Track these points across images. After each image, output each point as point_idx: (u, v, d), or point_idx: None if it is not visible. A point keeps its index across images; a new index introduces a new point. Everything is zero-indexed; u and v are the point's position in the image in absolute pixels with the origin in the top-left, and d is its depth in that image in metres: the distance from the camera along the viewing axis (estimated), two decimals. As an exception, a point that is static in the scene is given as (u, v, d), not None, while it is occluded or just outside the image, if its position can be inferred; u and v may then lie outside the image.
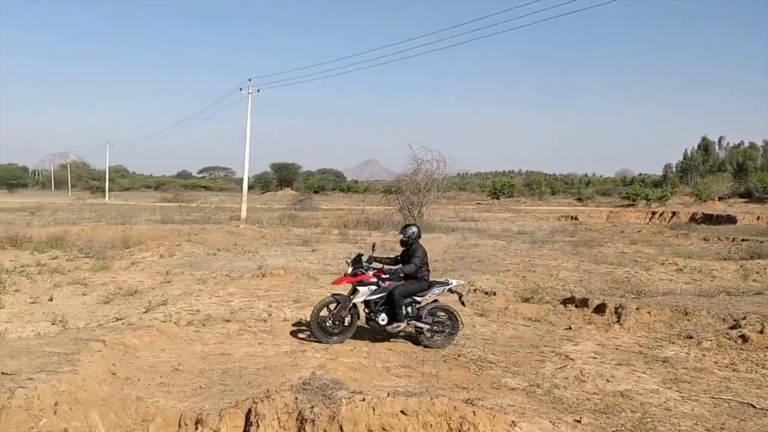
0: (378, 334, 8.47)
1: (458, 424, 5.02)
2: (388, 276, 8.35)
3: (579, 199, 69.48)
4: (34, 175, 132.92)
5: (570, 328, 9.48)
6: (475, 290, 12.42)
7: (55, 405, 4.97)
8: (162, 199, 62.97)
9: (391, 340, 8.47)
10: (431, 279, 8.62)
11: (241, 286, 12.40)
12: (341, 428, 4.94)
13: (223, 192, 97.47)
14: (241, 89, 36.45)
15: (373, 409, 5.08)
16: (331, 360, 7.22)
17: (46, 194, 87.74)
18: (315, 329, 8.13)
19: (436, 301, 8.61)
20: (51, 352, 6.29)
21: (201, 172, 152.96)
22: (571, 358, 7.78)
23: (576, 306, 10.76)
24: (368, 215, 31.99)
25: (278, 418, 5.12)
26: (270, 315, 9.76)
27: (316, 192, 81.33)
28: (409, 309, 8.32)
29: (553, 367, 7.45)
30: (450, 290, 8.72)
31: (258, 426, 5.07)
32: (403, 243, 8.62)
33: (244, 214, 34.16)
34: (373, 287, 8.24)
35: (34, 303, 10.56)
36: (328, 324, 8.16)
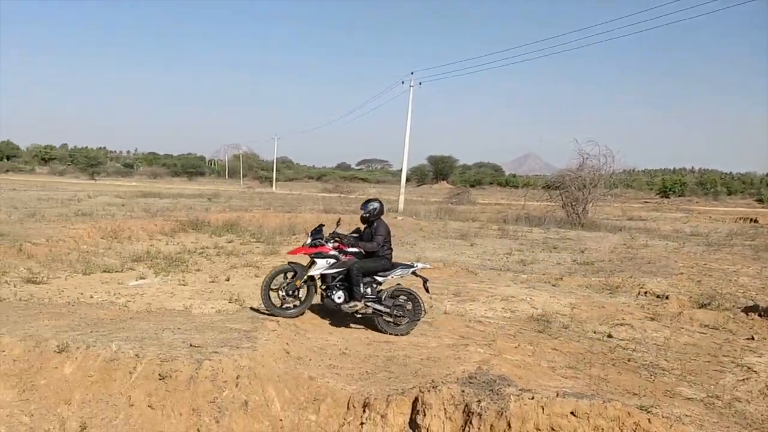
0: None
1: (631, 430, 4.74)
2: (349, 251, 7.91)
3: (759, 200, 63.57)
4: (211, 164, 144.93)
5: (753, 339, 8.63)
6: (645, 293, 11.69)
7: (237, 378, 5.35)
8: (323, 189, 66.03)
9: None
10: (395, 261, 8.21)
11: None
12: (509, 425, 4.86)
13: (380, 184, 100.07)
14: (403, 82, 37.08)
15: (543, 408, 4.94)
16: (495, 356, 7.11)
17: (220, 182, 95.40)
18: (265, 299, 7.73)
19: (399, 285, 8.22)
20: (232, 328, 6.78)
21: (359, 163, 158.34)
22: (755, 371, 7.07)
23: (760, 315, 9.83)
24: (528, 211, 31.25)
25: (444, 408, 5.14)
26: (431, 307, 9.83)
27: (472, 186, 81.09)
28: (369, 289, 7.87)
29: (734, 379, 6.81)
30: (414, 273, 8.14)
31: (425, 415, 5.12)
32: (364, 219, 8.19)
33: (401, 206, 34.79)
34: (332, 260, 7.79)
35: (213, 282, 11.46)
36: (280, 294, 7.77)
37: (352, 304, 7.74)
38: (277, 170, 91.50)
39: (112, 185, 63.97)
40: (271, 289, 7.76)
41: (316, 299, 8.09)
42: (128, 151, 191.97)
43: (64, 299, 9.44)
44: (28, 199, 31.21)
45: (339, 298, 7.79)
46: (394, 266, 8.06)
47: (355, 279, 7.70)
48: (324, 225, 8.40)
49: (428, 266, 9.66)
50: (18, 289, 10.12)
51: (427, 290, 8.35)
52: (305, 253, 7.94)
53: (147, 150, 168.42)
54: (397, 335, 7.77)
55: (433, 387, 5.32)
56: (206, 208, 28.99)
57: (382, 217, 8.23)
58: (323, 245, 7.87)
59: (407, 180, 40.57)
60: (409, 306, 7.94)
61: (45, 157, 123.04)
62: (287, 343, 6.49)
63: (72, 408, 5.25)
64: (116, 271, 12.33)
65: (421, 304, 8.02)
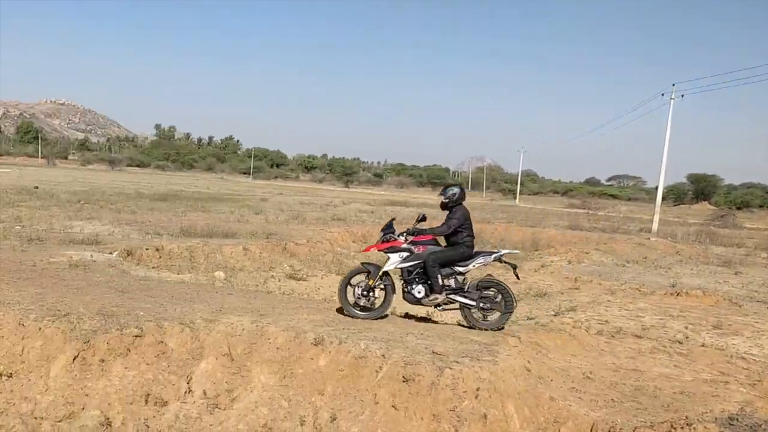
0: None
1: None
2: (421, 243, 7.40)
3: None
4: (455, 176, 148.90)
5: None
6: None
7: (477, 390, 5.38)
8: (569, 204, 64.00)
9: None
10: (479, 249, 7.62)
11: (653, 303, 11.73)
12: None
13: (632, 201, 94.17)
14: (663, 94, 34.55)
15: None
16: (761, 398, 6.27)
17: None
18: (343, 301, 7.48)
19: (487, 276, 7.59)
20: (473, 339, 6.86)
21: (609, 179, 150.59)
22: None
23: None
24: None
25: (701, 452, 4.65)
26: (686, 337, 8.99)
27: (738, 208, 72.45)
28: (452, 281, 7.38)
29: None
30: (500, 260, 7.52)
31: (680, 455, 4.68)
32: (443, 206, 7.68)
33: (655, 226, 32.36)
34: (405, 254, 7.41)
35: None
36: (355, 293, 7.41)
37: (432, 297, 7.40)
38: (521, 183, 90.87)
39: (363, 193, 69.00)
40: (349, 288, 7.55)
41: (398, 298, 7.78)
42: (378, 162, 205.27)
43: (320, 296, 10.36)
44: (293, 203, 34.94)
45: (419, 292, 7.45)
46: (476, 255, 7.56)
47: (431, 270, 7.31)
48: (395, 219, 8.14)
49: (516, 252, 9.13)
50: (282, 284, 11.35)
51: (517, 277, 7.85)
52: (378, 249, 7.70)
53: (395, 161, 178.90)
54: (487, 330, 7.32)
55: (688, 424, 4.85)
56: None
57: (463, 203, 7.75)
58: (395, 239, 7.58)
59: (663, 198, 37.58)
60: (499, 298, 7.41)
61: (308, 165, 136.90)
62: (528, 361, 6.39)
63: (324, 398, 5.72)
64: (365, 274, 13.21)
65: (512, 296, 7.42)
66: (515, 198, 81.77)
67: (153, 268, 11.42)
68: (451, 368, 5.56)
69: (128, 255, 11.74)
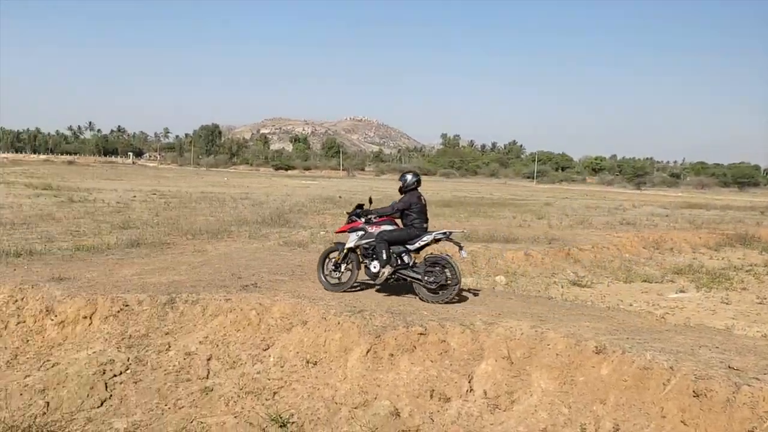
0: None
1: None
2: (374, 222, 8.32)
3: None
4: (766, 174, 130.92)
5: None
6: None
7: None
8: None
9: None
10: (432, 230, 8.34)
11: None
12: None
13: None
14: None
15: None
16: None
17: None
18: (320, 276, 8.55)
19: (433, 254, 8.35)
20: (780, 357, 6.08)
21: None
22: None
23: None
24: None
25: None
26: None
27: None
28: (406, 258, 8.15)
29: None
30: (449, 239, 8.14)
31: None
32: (400, 190, 8.50)
33: None
34: (361, 233, 8.30)
35: (760, 303, 10.44)
36: (328, 269, 8.50)
37: (380, 270, 8.05)
38: None
39: (656, 195, 64.26)
40: (324, 266, 8.55)
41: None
42: (675, 161, 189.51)
43: (605, 304, 10.01)
44: (578, 207, 34.02)
45: (374, 267, 8.10)
46: (424, 234, 8.16)
47: (377, 246, 8.05)
48: (363, 204, 8.79)
49: (462, 231, 10.11)
50: (564, 290, 11.20)
51: (460, 248, 8.14)
52: (343, 230, 8.60)
53: (695, 159, 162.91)
54: (437, 303, 7.80)
55: None
56: (757, 222, 26.42)
57: (418, 189, 8.42)
58: (355, 221, 8.49)
59: None
60: (444, 272, 7.86)
61: (595, 167, 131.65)
62: None
63: (606, 408, 5.56)
64: (656, 282, 12.41)
65: (456, 270, 7.87)
66: None
67: (437, 271, 12.13)
68: (749, 385, 5.01)
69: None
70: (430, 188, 58.61)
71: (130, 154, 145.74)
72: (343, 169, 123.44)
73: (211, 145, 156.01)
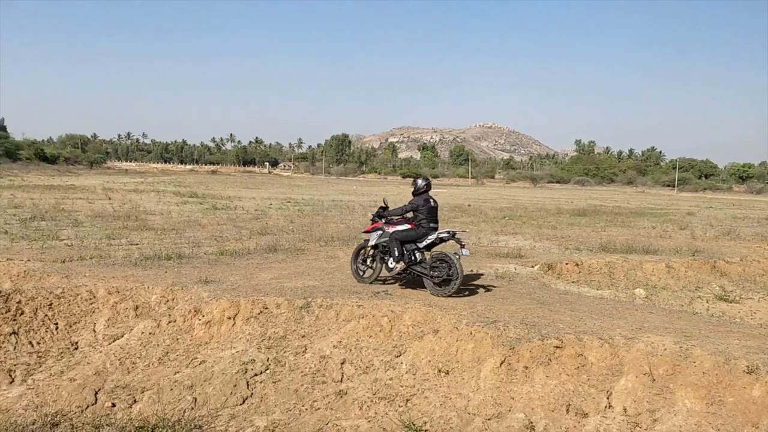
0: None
1: None
2: (395, 223, 9.16)
3: None
4: None
5: None
6: None
7: None
8: None
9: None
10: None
11: None
12: None
13: None
14: None
15: None
16: None
17: None
18: (353, 270, 9.65)
19: (440, 252, 8.77)
20: None
21: None
22: None
23: None
24: None
25: None
26: None
27: None
28: (418, 255, 8.87)
29: None
30: (451, 237, 8.77)
31: None
32: (413, 193, 9.28)
33: None
34: (379, 232, 9.23)
35: None
36: (360, 263, 9.58)
37: (393, 265, 8.99)
38: None
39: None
40: (356, 262, 9.69)
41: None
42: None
43: (756, 321, 9.25)
44: (724, 217, 31.70)
45: (390, 263, 9.04)
46: (430, 233, 8.90)
47: (390, 244, 8.95)
48: (386, 207, 9.62)
49: (464, 230, 10.80)
50: (710, 305, 10.46)
51: (462, 246, 8.62)
52: (368, 230, 9.63)
53: None
54: (442, 296, 8.40)
55: None
56: None
57: (428, 193, 9.22)
58: (377, 221, 9.46)
59: None
60: (447, 269, 8.43)
61: (742, 175, 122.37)
62: None
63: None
64: None
65: (458, 267, 8.36)
66: None
67: (572, 282, 11.72)
68: None
69: (549, 269, 12.28)
70: (563, 196, 57.01)
71: (267, 163, 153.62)
72: (471, 177, 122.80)
73: (341, 154, 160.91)
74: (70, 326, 7.79)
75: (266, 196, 37.80)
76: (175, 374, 6.83)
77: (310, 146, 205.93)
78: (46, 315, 7.77)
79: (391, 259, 9.00)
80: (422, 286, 8.97)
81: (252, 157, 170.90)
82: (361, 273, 9.55)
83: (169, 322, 7.69)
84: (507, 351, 6.43)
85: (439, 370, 6.54)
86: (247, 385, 6.55)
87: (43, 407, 6.26)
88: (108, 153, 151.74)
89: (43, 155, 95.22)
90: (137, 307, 8.22)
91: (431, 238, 8.90)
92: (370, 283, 9.28)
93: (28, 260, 11.05)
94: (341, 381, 6.64)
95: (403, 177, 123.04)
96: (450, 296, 8.42)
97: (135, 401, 6.40)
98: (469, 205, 33.00)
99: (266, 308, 7.73)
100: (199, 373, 6.75)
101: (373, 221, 9.63)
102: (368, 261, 9.54)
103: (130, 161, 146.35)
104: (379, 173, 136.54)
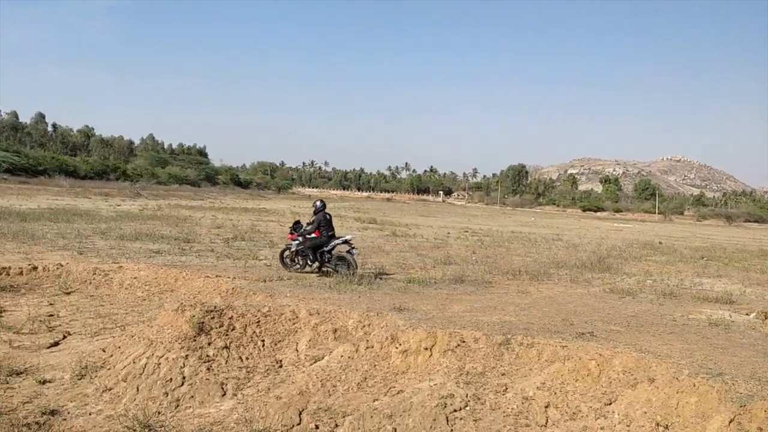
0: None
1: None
2: (308, 236, 13.33)
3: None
4: None
5: None
6: None
7: None
8: None
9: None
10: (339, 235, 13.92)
11: None
12: None
13: None
14: None
15: None
16: None
17: None
18: (280, 262, 13.80)
19: (341, 253, 13.33)
20: None
21: None
22: None
23: None
24: None
25: None
26: None
27: None
28: (328, 256, 13.27)
29: None
30: (346, 242, 13.42)
31: None
32: (314, 213, 13.55)
33: None
34: (297, 242, 13.41)
35: None
36: (288, 260, 13.66)
37: (312, 265, 13.35)
38: None
39: None
40: (283, 257, 13.74)
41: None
42: None
43: None
44: None
45: (309, 262, 13.31)
46: (330, 239, 13.35)
47: (304, 251, 13.28)
48: (299, 221, 14.07)
49: (353, 236, 14.95)
50: None
51: (352, 248, 13.46)
52: (290, 239, 13.74)
53: None
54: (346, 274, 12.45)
55: None
56: None
57: (325, 211, 13.59)
58: (294, 234, 13.60)
59: None
60: (346, 264, 13.04)
61: None
62: None
63: None
64: None
65: (354, 263, 13.08)
66: None
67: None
68: None
69: (766, 317, 10.98)
70: (765, 237, 51.29)
71: (440, 192, 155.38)
72: (658, 213, 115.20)
73: (518, 184, 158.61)
74: (275, 344, 8.17)
75: (443, 225, 38.05)
76: (374, 401, 6.86)
77: (484, 176, 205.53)
78: (254, 332, 8.22)
79: (308, 260, 13.30)
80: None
81: (426, 185, 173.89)
82: (290, 267, 13.51)
83: (367, 347, 7.79)
84: (737, 408, 5.71)
85: (657, 424, 5.96)
86: (447, 421, 6.39)
87: (252, 423, 6.54)
88: (293, 179, 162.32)
89: (237, 180, 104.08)
90: (336, 330, 8.45)
91: (333, 243, 13.30)
92: (297, 272, 13.32)
93: (234, 278, 11.90)
94: (546, 426, 6.28)
95: (584, 210, 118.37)
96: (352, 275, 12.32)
97: (336, 425, 6.49)
98: (660, 243, 30.79)
99: (464, 342, 7.57)
100: (398, 403, 6.72)
101: (291, 233, 13.74)
102: (296, 259, 13.54)
103: (313, 187, 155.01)
104: (558, 205, 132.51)
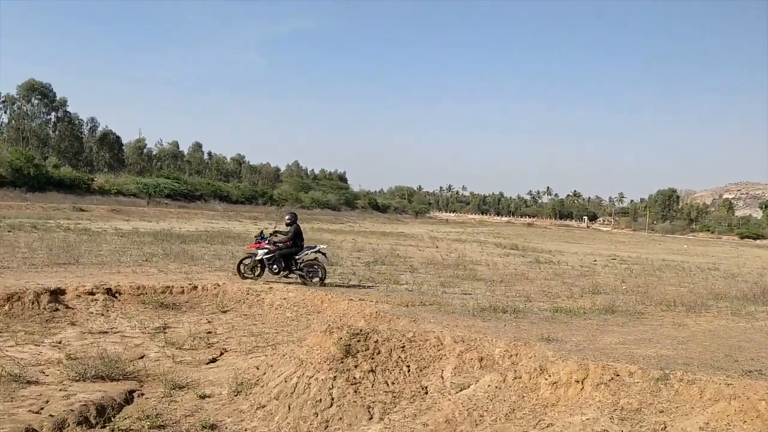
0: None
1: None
2: (276, 245, 14.72)
3: None
4: None
5: None
6: None
7: None
8: None
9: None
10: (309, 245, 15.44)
11: None
12: None
13: None
14: None
15: None
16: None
17: None
18: (239, 272, 14.68)
19: (316, 260, 14.92)
20: None
21: None
22: None
23: None
24: None
25: None
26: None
27: None
28: (298, 264, 14.56)
29: None
30: (317, 251, 15.00)
31: None
32: (286, 224, 15.08)
33: None
34: (266, 250, 14.54)
35: None
36: (247, 270, 14.67)
37: (281, 273, 14.60)
38: None
39: None
40: (241, 266, 14.81)
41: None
42: None
43: None
44: None
45: (276, 269, 14.58)
46: (304, 249, 14.83)
47: (276, 259, 14.53)
48: (263, 231, 15.81)
49: (325, 246, 16.28)
50: None
51: (325, 256, 15.38)
52: (254, 248, 14.99)
53: None
54: (313, 285, 14.11)
55: None
56: None
57: (297, 223, 15.08)
58: (261, 242, 14.83)
59: None
60: (316, 271, 14.46)
61: None
62: None
63: None
64: None
65: (324, 270, 14.59)
66: None
67: None
68: None
69: None
70: None
71: (585, 217, 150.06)
72: None
73: (668, 210, 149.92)
74: (420, 370, 8.23)
75: (588, 252, 36.69)
76: (522, 434, 6.72)
77: (632, 201, 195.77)
78: (399, 357, 8.33)
79: (278, 267, 14.50)
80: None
81: (569, 210, 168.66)
82: (248, 275, 14.56)
83: (515, 378, 7.64)
84: None
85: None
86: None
87: (399, 448, 6.64)
88: (430, 204, 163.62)
89: (375, 204, 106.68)
90: (482, 359, 8.37)
91: (304, 252, 14.73)
92: (253, 279, 14.46)
93: (377, 302, 12.16)
94: (713, 472, 5.84)
95: (741, 237, 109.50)
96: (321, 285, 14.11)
97: (484, 456, 6.43)
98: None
99: (617, 375, 7.23)
100: (550, 437, 6.53)
101: (258, 241, 14.88)
102: (257, 268, 14.67)
103: (450, 212, 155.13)
104: (712, 232, 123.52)
